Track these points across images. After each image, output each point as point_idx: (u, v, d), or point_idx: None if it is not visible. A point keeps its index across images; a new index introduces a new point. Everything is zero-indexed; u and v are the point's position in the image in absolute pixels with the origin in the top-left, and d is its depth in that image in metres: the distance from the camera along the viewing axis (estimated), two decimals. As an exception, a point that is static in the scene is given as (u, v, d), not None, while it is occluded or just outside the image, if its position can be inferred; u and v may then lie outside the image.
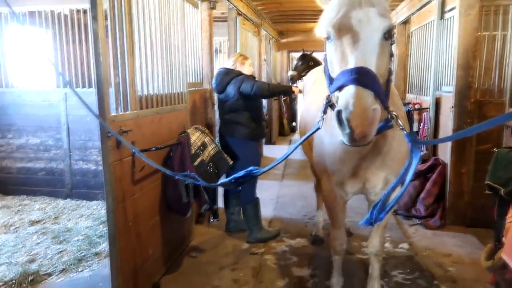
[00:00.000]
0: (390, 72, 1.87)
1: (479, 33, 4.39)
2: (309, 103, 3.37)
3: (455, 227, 4.51)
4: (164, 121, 3.37)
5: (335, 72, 1.74)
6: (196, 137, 3.58)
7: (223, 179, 2.59)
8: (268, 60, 10.01)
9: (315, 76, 3.91)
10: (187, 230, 4.07)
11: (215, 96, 4.61)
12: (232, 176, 2.35)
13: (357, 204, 4.84)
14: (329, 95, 1.89)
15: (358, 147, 1.75)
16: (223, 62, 9.36)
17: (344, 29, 1.71)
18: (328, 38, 1.81)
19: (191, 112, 4.17)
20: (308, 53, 10.41)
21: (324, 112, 1.95)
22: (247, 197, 4.21)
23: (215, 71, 4.42)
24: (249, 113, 4.10)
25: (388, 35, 1.73)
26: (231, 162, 3.89)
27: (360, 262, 3.69)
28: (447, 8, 4.88)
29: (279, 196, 5.87)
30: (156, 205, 3.30)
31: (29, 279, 3.28)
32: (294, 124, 12.76)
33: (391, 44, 1.83)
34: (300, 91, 4.34)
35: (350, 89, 1.57)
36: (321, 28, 1.82)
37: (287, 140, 11.15)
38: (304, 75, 9.23)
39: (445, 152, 4.70)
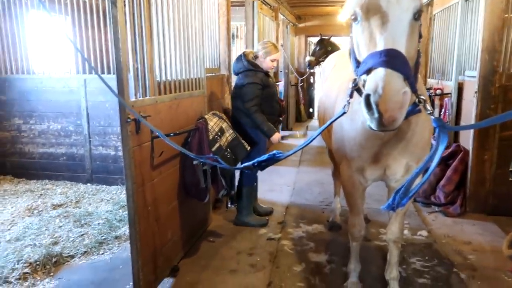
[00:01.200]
0: (419, 55, 1.80)
1: (507, 15, 4.22)
2: (328, 88, 3.32)
3: (476, 214, 4.43)
4: (182, 107, 3.38)
5: (362, 55, 1.70)
6: (213, 122, 3.58)
7: (246, 163, 2.58)
8: (285, 45, 9.89)
9: (334, 61, 3.85)
10: (205, 215, 4.11)
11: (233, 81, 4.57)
12: (256, 160, 2.34)
13: (375, 191, 4.80)
14: (355, 79, 1.83)
15: (386, 132, 1.71)
16: (240, 47, 9.31)
17: (372, 9, 1.66)
18: (355, 19, 1.75)
19: (209, 97, 4.17)
20: (326, 37, 10.25)
21: (350, 96, 1.89)
22: (249, 180, 4.21)
23: (232, 57, 4.39)
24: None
25: (418, 16, 1.67)
26: (248, 148, 3.89)
27: (377, 248, 3.68)
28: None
29: (296, 182, 5.87)
30: (174, 190, 3.34)
31: (53, 260, 3.38)
32: (311, 110, 12.66)
33: (420, 25, 1.76)
34: (282, 138, 4.11)
35: (379, 72, 1.52)
36: (348, 9, 1.77)
37: (304, 126, 11.07)
38: (322, 61, 9.14)
39: (467, 139, 4.59)
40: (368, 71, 1.60)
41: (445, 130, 1.55)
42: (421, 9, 1.68)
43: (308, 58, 10.28)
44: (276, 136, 4.01)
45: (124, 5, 2.54)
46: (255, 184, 4.34)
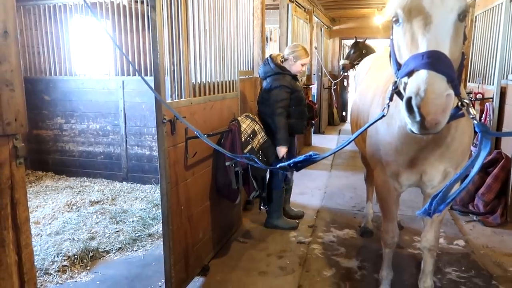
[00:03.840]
0: (463, 57, 1.74)
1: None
2: (363, 91, 3.27)
3: (518, 225, 4.23)
4: (215, 109, 3.44)
5: (403, 57, 1.66)
6: (246, 125, 3.62)
7: (282, 163, 2.57)
8: (319, 47, 9.82)
9: (369, 64, 3.79)
10: (236, 216, 4.15)
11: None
12: (292, 160, 2.34)
13: (410, 197, 4.67)
14: (395, 82, 1.78)
15: (426, 135, 1.66)
16: (274, 50, 9.32)
17: (415, 10, 1.62)
18: (396, 21, 1.72)
19: (242, 100, 4.21)
20: (361, 40, 10.09)
21: (390, 99, 1.83)
22: (277, 183, 4.19)
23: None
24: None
25: (462, 16, 1.61)
26: (279, 151, 3.88)
27: (411, 256, 3.58)
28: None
29: (327, 186, 5.81)
30: (206, 190, 3.39)
31: (90, 255, 3.52)
32: (344, 113, 12.49)
33: (465, 27, 1.71)
34: (285, 155, 3.91)
35: (422, 74, 1.48)
36: (389, 10, 1.74)
37: (336, 130, 10.94)
38: (357, 64, 9.00)
39: (509, 146, 4.39)
40: (409, 74, 1.56)
41: (488, 135, 1.48)
42: (467, 9, 1.62)
43: (342, 62, 10.15)
44: (282, 150, 3.87)
45: (162, 9, 2.61)
46: (284, 187, 4.31)
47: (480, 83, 5.73)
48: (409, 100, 1.49)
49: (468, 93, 5.48)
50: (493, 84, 4.98)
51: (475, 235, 4.06)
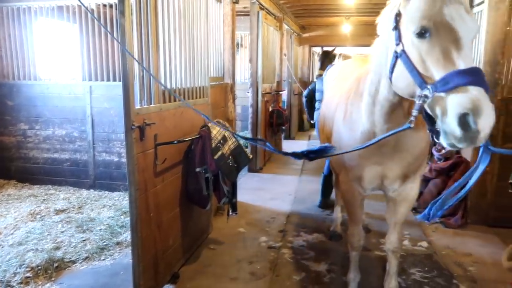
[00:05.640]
0: None
1: (509, 28, 4.26)
2: (329, 99, 3.37)
3: (477, 226, 4.43)
4: (186, 115, 3.43)
5: (433, 71, 1.64)
6: (216, 131, 3.62)
7: (295, 150, 2.54)
8: (289, 55, 9.97)
9: (335, 73, 3.89)
10: (206, 222, 4.13)
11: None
12: (306, 149, 2.34)
13: (376, 201, 4.80)
14: (425, 94, 1.67)
15: (456, 149, 1.69)
16: (244, 56, 9.40)
17: (442, 25, 1.63)
18: (421, 34, 1.67)
19: (212, 106, 4.22)
20: (330, 50, 10.36)
21: (419, 111, 1.74)
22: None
23: (236, 66, 4.45)
24: None
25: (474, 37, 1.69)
26: (251, 157, 3.91)
27: (378, 258, 3.68)
28: (476, 1, 4.75)
29: (297, 191, 5.88)
30: (176, 196, 3.37)
31: (54, 265, 3.41)
32: (312, 121, 12.70)
33: None
34: None
35: (476, 91, 1.50)
36: (413, 21, 1.70)
37: (306, 136, 11.11)
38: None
39: (468, 150, 4.61)
40: (452, 89, 1.55)
41: (489, 151, 1.58)
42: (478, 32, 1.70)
43: (318, 72, 10.48)
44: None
45: (132, 14, 2.60)
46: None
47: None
48: (464, 116, 1.49)
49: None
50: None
51: (438, 236, 4.22)
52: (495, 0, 4.16)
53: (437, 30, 1.64)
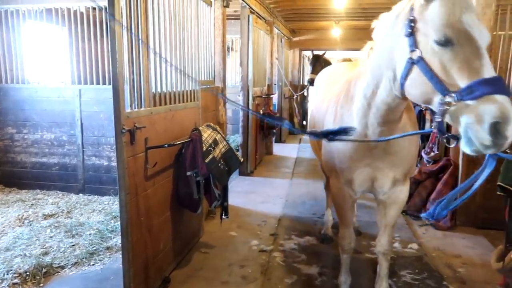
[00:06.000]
0: None
1: (495, 33, 4.34)
2: (319, 102, 3.39)
3: (466, 228, 4.48)
4: (176, 118, 3.42)
5: (457, 79, 1.63)
6: (207, 134, 3.61)
7: (314, 130, 2.49)
8: (279, 58, 10.02)
9: (325, 78, 3.92)
10: (197, 226, 4.12)
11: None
12: (326, 129, 2.31)
13: (367, 204, 4.84)
14: (447, 102, 1.65)
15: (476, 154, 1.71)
16: (235, 60, 9.41)
17: (465, 33, 1.63)
18: (444, 43, 1.66)
19: (203, 109, 4.21)
20: (320, 54, 10.48)
21: (442, 117, 1.70)
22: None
23: (227, 69, 4.44)
24: None
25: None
26: (242, 160, 3.91)
27: (368, 261, 3.70)
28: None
29: (288, 194, 5.89)
30: (167, 200, 3.35)
31: (43, 271, 3.35)
32: (304, 122, 12.76)
33: None
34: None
35: (504, 100, 1.52)
36: (435, 28, 1.68)
37: (297, 139, 11.14)
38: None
39: (457, 153, 4.67)
40: (478, 97, 1.56)
41: (495, 156, 1.62)
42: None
43: (309, 76, 10.66)
44: None
45: (122, 17, 2.59)
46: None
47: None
48: (495, 124, 1.51)
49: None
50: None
51: (428, 238, 4.26)
52: (482, 5, 4.23)
53: (459, 38, 1.63)
